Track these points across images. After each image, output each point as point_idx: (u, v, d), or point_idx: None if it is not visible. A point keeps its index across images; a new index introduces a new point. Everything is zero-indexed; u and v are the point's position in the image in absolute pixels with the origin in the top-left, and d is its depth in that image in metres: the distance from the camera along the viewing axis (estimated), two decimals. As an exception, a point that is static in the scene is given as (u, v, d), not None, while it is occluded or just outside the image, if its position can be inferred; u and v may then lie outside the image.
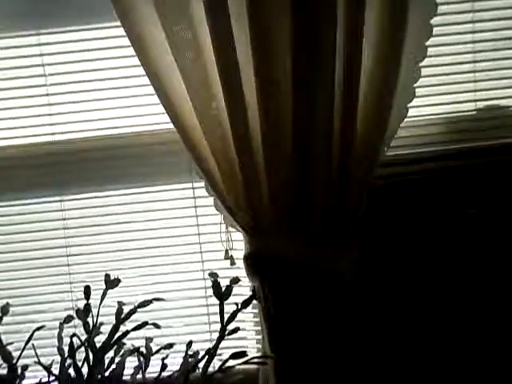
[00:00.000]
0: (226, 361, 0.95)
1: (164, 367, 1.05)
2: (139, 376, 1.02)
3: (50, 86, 1.12)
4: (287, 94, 0.94)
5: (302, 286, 0.99)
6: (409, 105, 1.05)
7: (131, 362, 1.06)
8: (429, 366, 1.08)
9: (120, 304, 1.07)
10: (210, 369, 0.99)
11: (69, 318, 1.06)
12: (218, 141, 0.97)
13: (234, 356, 0.94)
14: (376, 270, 1.07)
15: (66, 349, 1.02)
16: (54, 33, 1.09)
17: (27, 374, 1.03)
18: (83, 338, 1.01)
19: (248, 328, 1.18)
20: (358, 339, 1.02)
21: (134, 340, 1.06)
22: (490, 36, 1.11)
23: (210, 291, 1.01)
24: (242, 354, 0.94)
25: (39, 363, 0.98)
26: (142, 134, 1.12)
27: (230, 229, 1.08)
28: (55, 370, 1.02)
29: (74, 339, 1.01)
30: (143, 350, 1.05)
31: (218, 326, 1.01)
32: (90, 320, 1.02)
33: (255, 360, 0.97)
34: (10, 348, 1.03)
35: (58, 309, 1.16)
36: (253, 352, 1.16)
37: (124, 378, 1.01)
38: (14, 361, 1.00)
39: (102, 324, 1.06)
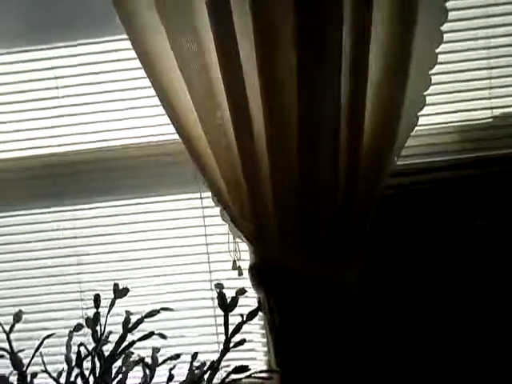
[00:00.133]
0: (229, 374, 0.94)
1: (171, 378, 1.04)
2: (145, 386, 1.02)
3: (62, 98, 1.14)
4: (292, 94, 0.92)
5: (307, 297, 0.97)
6: (420, 113, 1.03)
7: (139, 372, 1.06)
8: (436, 380, 1.04)
9: (128, 313, 1.07)
10: (216, 381, 0.99)
11: (78, 327, 1.08)
12: (223, 150, 0.96)
13: (237, 370, 0.93)
14: (383, 283, 1.04)
15: (75, 357, 1.04)
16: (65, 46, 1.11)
17: (37, 381, 1.04)
18: (93, 346, 1.03)
19: (256, 339, 1.17)
20: (365, 352, 0.99)
21: (142, 350, 1.07)
22: (505, 42, 1.07)
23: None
24: (245, 368, 0.93)
25: (46, 371, 0.99)
26: (151, 144, 1.12)
27: (238, 239, 1.08)
28: (64, 378, 1.03)
29: (82, 348, 1.02)
30: (150, 359, 1.05)
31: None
32: (99, 329, 1.04)
33: (261, 374, 0.96)
34: (21, 355, 1.05)
35: (70, 317, 1.17)
36: (261, 364, 1.15)
37: (130, 388, 1.02)
38: (24, 368, 1.02)
39: (110, 333, 1.07)
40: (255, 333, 1.16)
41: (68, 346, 1.05)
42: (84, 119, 1.15)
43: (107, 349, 1.04)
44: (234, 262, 1.10)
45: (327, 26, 0.90)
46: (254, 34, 0.91)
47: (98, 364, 1.03)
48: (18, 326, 1.06)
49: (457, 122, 1.10)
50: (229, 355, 1.11)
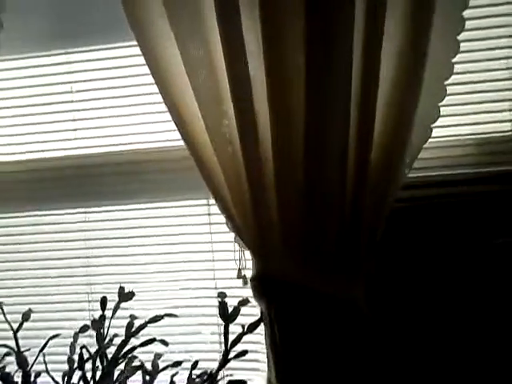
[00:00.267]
0: (226, 387, 0.93)
1: (172, 384, 1.04)
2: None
3: (77, 102, 1.16)
4: (300, 98, 0.90)
5: (310, 312, 0.94)
6: (436, 124, 0.99)
7: (141, 376, 1.06)
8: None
9: (132, 317, 1.08)
10: (217, 391, 0.98)
11: (84, 328, 1.09)
12: (228, 158, 0.95)
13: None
14: (392, 301, 1.00)
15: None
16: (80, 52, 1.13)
17: (41, 380, 1.06)
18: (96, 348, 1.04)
19: (260, 350, 1.15)
20: (371, 371, 0.96)
21: (147, 354, 1.07)
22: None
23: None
24: (242, 382, 0.91)
25: (47, 372, 1.01)
26: (161, 149, 1.13)
27: (243, 248, 1.06)
28: (67, 379, 1.04)
29: (84, 350, 1.03)
30: (151, 365, 1.05)
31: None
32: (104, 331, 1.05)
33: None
34: (28, 353, 1.07)
35: (78, 318, 1.19)
36: (263, 375, 1.13)
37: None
38: (28, 367, 1.03)
39: (115, 336, 1.07)
40: (259, 343, 1.14)
41: (72, 347, 1.07)
42: (96, 123, 1.16)
43: (111, 351, 1.05)
44: (239, 270, 1.08)
45: (338, 31, 0.88)
46: (262, 40, 0.90)
47: (100, 367, 1.04)
48: (25, 325, 1.08)
49: (474, 134, 1.05)
50: (232, 364, 1.11)
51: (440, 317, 1.01)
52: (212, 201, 1.11)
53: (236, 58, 0.91)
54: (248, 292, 1.02)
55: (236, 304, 1.03)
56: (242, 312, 1.04)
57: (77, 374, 1.04)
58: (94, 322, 1.07)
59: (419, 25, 0.91)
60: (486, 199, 1.01)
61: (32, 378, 1.03)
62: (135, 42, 0.98)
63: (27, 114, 1.18)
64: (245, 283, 1.09)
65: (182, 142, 1.05)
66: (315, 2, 0.89)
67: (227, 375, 1.13)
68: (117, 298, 1.07)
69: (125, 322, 1.06)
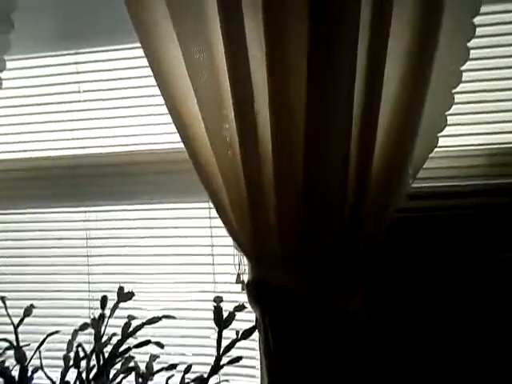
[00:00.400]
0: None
1: (167, 387, 1.04)
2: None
3: (84, 101, 1.17)
4: (301, 99, 0.88)
5: (305, 321, 0.93)
6: (444, 134, 0.96)
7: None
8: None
9: (130, 318, 1.08)
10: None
11: (84, 326, 1.10)
12: (228, 162, 0.95)
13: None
14: (393, 313, 0.97)
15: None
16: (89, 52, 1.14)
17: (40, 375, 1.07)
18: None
19: (257, 356, 1.14)
20: (365, 381, 0.93)
21: (145, 355, 1.07)
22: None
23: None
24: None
25: (41, 369, 1.02)
26: (163, 151, 1.13)
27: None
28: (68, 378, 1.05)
29: (80, 349, 1.04)
30: (146, 367, 1.05)
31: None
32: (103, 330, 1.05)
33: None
34: (28, 348, 1.08)
35: (79, 315, 1.20)
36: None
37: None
38: (26, 363, 1.05)
39: (114, 335, 1.08)
40: (257, 349, 1.13)
41: (69, 344, 1.08)
42: (102, 123, 1.17)
43: (108, 351, 1.06)
44: (238, 275, 1.07)
45: (342, 33, 0.86)
46: (265, 41, 0.89)
47: (96, 366, 1.04)
48: (28, 320, 1.10)
49: (484, 144, 1.02)
50: (229, 370, 1.10)
51: (442, 333, 0.98)
52: (214, 204, 1.10)
53: (238, 59, 0.90)
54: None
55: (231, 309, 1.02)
56: (241, 317, 1.04)
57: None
58: (93, 320, 1.08)
59: (427, 26, 0.88)
60: (493, 212, 0.98)
61: (29, 374, 1.04)
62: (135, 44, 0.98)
63: (35, 113, 1.19)
64: (243, 288, 1.08)
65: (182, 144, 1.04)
66: (319, 4, 0.87)
67: (223, 381, 1.12)
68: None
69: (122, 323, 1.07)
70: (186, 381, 1.00)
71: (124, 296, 1.09)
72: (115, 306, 1.08)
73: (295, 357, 0.94)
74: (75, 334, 1.09)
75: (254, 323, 1.01)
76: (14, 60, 1.16)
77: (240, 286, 1.08)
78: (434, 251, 0.99)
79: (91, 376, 1.00)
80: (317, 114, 0.89)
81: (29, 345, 1.08)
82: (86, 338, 1.09)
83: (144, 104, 1.15)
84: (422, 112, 0.90)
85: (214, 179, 0.96)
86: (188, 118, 0.96)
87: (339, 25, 0.87)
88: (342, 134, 0.90)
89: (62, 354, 1.08)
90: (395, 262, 0.99)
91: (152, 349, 1.07)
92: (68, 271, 1.21)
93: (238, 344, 1.01)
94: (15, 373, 1.06)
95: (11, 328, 1.07)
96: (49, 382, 1.05)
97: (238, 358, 1.01)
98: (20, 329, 1.08)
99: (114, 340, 1.07)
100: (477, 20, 0.91)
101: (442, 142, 0.96)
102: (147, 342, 1.03)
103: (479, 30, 0.92)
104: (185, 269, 1.16)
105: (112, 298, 1.09)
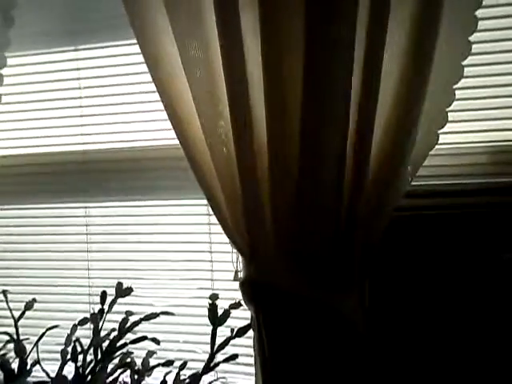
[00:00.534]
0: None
1: (164, 383, 1.04)
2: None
3: (85, 98, 1.18)
4: (297, 97, 0.87)
5: (300, 320, 0.92)
6: (445, 130, 0.94)
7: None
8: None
9: (127, 314, 1.09)
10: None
11: (84, 321, 1.11)
12: (223, 159, 0.94)
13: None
14: (392, 313, 0.96)
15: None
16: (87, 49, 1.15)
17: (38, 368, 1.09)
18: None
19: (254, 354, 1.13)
20: (359, 381, 0.92)
21: (143, 350, 1.08)
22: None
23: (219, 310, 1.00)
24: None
25: (38, 363, 1.03)
26: (161, 148, 1.13)
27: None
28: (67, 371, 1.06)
29: (77, 343, 1.05)
30: (141, 363, 1.05)
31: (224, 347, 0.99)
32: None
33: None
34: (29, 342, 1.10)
35: (79, 310, 1.21)
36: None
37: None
38: (25, 356, 1.06)
39: (113, 330, 1.08)
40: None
41: (68, 339, 1.09)
42: (103, 120, 1.18)
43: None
44: (236, 273, 1.07)
45: (338, 30, 0.85)
46: (261, 38, 0.88)
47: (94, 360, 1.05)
48: (28, 314, 1.11)
49: (487, 142, 0.99)
50: (226, 368, 1.10)
51: (441, 334, 0.96)
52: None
53: (234, 56, 0.89)
54: (244, 295, 1.00)
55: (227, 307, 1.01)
56: (239, 315, 1.03)
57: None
58: (92, 315, 1.09)
59: (426, 20, 0.86)
60: (495, 211, 0.95)
61: (28, 367, 1.05)
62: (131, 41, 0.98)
63: (35, 109, 1.20)
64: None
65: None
66: (315, 1, 0.86)
67: (219, 378, 1.12)
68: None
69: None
70: (182, 377, 1.00)
71: (122, 291, 1.09)
72: (113, 302, 1.08)
73: (289, 355, 0.93)
74: (74, 328, 1.10)
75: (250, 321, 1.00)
76: (14, 57, 1.17)
77: (237, 283, 1.07)
78: (434, 251, 0.97)
79: (88, 371, 1.01)
80: (313, 112, 0.88)
81: (28, 339, 1.09)
82: (87, 333, 1.10)
83: (144, 100, 1.15)
84: (421, 109, 0.88)
85: (208, 176, 0.95)
86: (183, 115, 0.96)
87: (336, 22, 0.86)
88: (338, 132, 0.89)
89: (61, 348, 1.10)
90: (394, 262, 0.97)
91: (151, 345, 1.07)
92: (68, 266, 1.22)
93: (237, 341, 1.00)
94: (15, 365, 1.07)
95: (12, 321, 1.09)
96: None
97: (234, 356, 1.00)
98: (20, 322, 1.09)
99: (113, 335, 1.07)
100: (479, 13, 0.88)
101: (442, 139, 0.93)
102: (143, 338, 1.03)
103: (481, 24, 0.89)
104: (183, 265, 1.16)
105: (111, 293, 1.09)
